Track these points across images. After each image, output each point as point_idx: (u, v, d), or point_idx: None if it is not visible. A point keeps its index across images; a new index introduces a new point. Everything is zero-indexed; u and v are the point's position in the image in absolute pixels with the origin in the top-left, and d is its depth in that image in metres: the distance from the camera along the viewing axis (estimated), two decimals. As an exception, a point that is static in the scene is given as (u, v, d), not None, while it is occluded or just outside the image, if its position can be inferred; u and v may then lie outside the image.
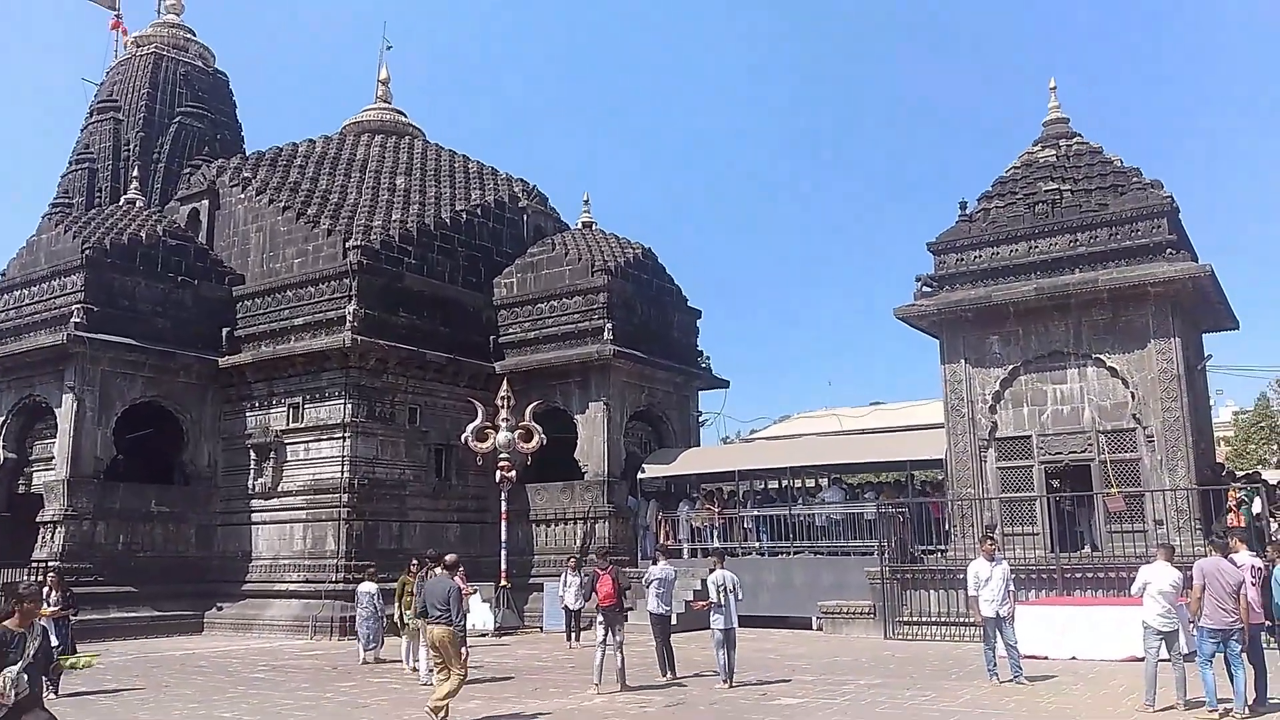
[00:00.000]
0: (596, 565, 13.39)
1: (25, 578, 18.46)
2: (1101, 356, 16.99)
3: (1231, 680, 9.16)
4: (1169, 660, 9.62)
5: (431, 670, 10.97)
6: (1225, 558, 9.63)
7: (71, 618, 13.09)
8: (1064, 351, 17.33)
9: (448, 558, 11.15)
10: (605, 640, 11.83)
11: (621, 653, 11.86)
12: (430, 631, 10.10)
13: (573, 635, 17.39)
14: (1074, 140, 19.00)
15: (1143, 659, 9.82)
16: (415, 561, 14.71)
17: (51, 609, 12.54)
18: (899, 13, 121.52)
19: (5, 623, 6.49)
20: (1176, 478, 16.05)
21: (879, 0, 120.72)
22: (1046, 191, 18.19)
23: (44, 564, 19.21)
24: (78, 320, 20.34)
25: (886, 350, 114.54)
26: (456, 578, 10.62)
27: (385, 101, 29.38)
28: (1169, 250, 16.77)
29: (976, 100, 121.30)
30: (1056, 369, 17.43)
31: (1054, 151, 18.91)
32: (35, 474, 23.99)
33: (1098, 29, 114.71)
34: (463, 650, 9.83)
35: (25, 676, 6.42)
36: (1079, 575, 15.87)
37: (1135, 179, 17.81)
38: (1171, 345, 16.53)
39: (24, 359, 21.28)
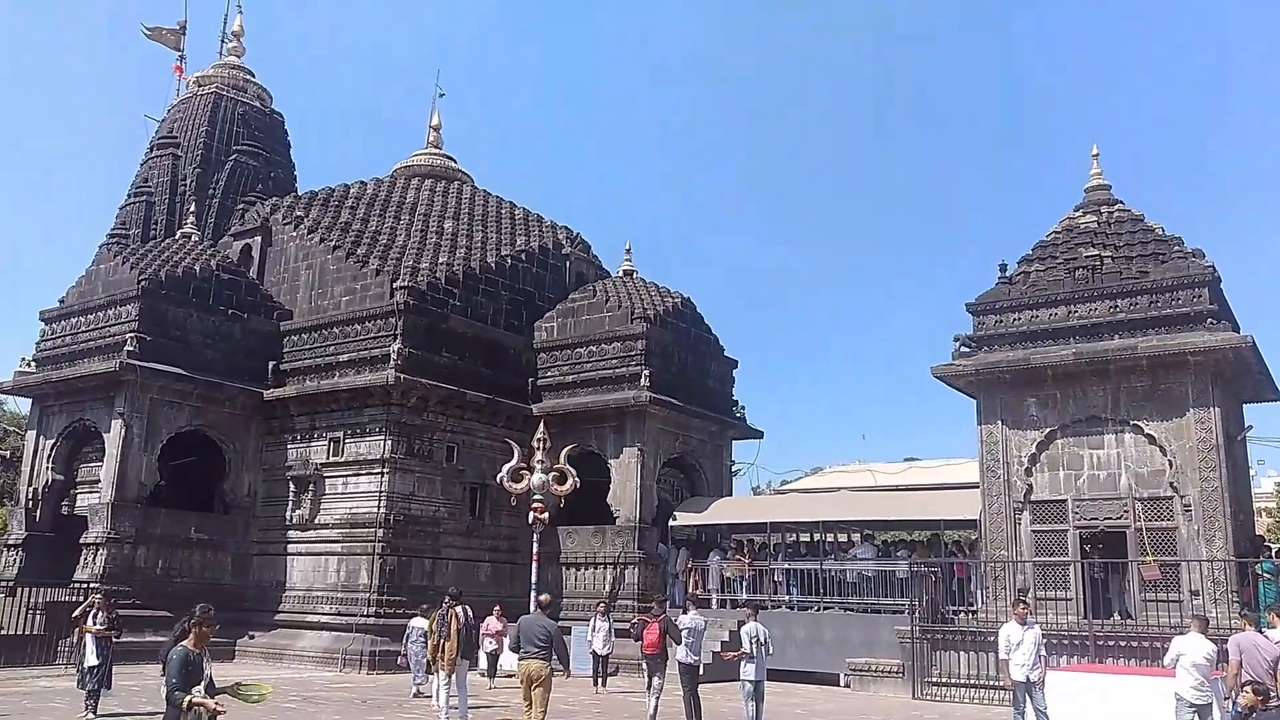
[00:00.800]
0: (648, 613, 13.57)
1: (77, 597, 18.94)
2: (1139, 423, 16.95)
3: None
4: (1202, 734, 9.59)
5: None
6: (1260, 632, 9.61)
7: (114, 639, 13.36)
8: (1102, 417, 17.31)
9: (542, 598, 12.21)
10: (652, 685, 12.16)
11: (657, 699, 12.01)
12: (526, 666, 10.56)
13: (599, 680, 17.44)
14: (1115, 207, 19.12)
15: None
16: (447, 598, 14.91)
17: (98, 628, 12.86)
18: (948, 72, 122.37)
19: (184, 643, 6.71)
20: (1214, 548, 15.93)
21: (927, 59, 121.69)
22: (1087, 257, 18.28)
23: (85, 585, 19.62)
24: (130, 349, 20.93)
25: (921, 408, 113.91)
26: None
27: (436, 147, 30.09)
28: (1209, 319, 16.77)
29: (1022, 163, 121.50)
30: (1094, 434, 17.40)
31: (1095, 217, 19.03)
32: (79, 496, 24.52)
33: (1143, 95, 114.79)
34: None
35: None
36: (1111, 643, 15.74)
37: (1176, 247, 17.88)
38: (1211, 415, 16.48)
39: (77, 384, 21.91)
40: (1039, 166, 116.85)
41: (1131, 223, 18.70)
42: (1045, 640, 12.66)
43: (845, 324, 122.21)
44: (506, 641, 17.82)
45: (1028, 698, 11.58)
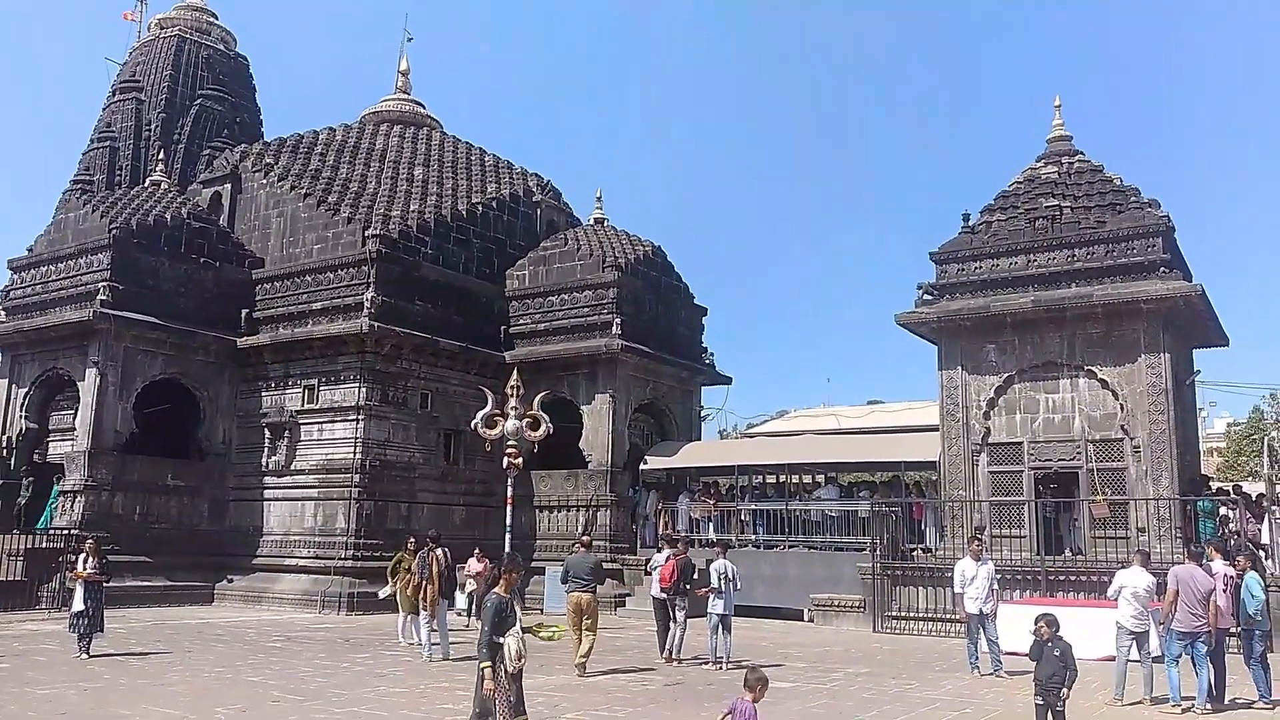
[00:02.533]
0: (670, 548, 14.18)
1: (55, 543, 19.23)
2: (1093, 369, 17.62)
3: (1198, 679, 9.83)
4: (1139, 660, 10.29)
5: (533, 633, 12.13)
6: (1200, 565, 10.29)
7: (105, 583, 13.71)
8: (1057, 362, 17.97)
9: (584, 539, 13.70)
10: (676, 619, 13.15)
11: (682, 634, 13.15)
12: (578, 597, 12.16)
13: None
14: (1076, 158, 19.60)
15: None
16: (412, 540, 15.54)
17: (89, 572, 13.21)
18: (912, 23, 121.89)
19: (496, 590, 7.02)
20: (1160, 488, 16.71)
21: (891, 11, 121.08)
22: (1047, 207, 18.79)
23: (63, 531, 19.91)
24: (104, 298, 20.98)
25: (885, 352, 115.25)
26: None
27: (405, 92, 29.96)
28: (1162, 269, 17.38)
29: (985, 113, 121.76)
30: (1050, 379, 18.07)
31: (1056, 168, 19.52)
32: (51, 444, 24.62)
33: (1105, 46, 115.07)
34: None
35: (524, 641, 6.96)
36: (1063, 578, 16.53)
37: (1133, 198, 18.42)
38: (1161, 360, 17.16)
39: (49, 333, 21.95)
40: (1007, 116, 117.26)
41: (1091, 173, 19.21)
42: (999, 575, 13.35)
43: (812, 271, 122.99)
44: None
45: (981, 629, 12.27)
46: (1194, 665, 9.90)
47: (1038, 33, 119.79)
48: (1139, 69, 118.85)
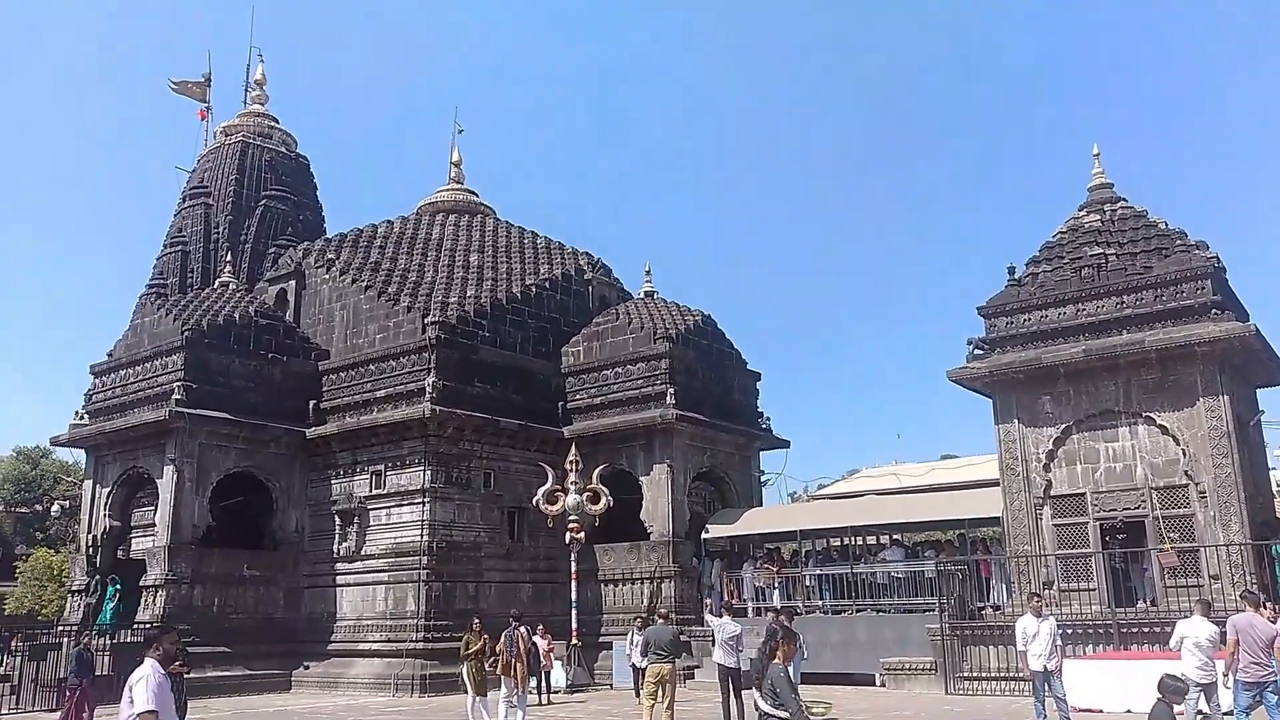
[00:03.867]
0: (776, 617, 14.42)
1: (140, 637, 19.86)
2: (1152, 415, 17.41)
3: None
4: (1209, 713, 10.13)
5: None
6: (1257, 612, 10.15)
7: (185, 674, 14.17)
8: (1115, 410, 17.79)
9: (661, 610, 14.85)
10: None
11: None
12: (659, 668, 12.79)
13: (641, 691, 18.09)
14: (1118, 205, 19.61)
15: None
16: (477, 620, 15.94)
17: (173, 665, 13.68)
18: (949, 81, 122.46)
19: (776, 662, 7.37)
20: (1230, 533, 16.36)
21: (932, 72, 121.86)
22: (1092, 255, 18.80)
23: (147, 625, 20.55)
24: (178, 397, 21.92)
25: (953, 405, 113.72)
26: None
27: (458, 182, 31.02)
28: (1214, 310, 17.23)
29: (1025, 166, 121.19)
30: (1108, 428, 17.89)
31: (1099, 216, 19.54)
32: (134, 540, 25.54)
33: (1142, 93, 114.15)
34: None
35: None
36: (1135, 630, 16.21)
37: (1180, 241, 18.35)
38: (1220, 403, 16.93)
39: (129, 434, 22.93)
40: (1046, 168, 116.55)
41: (1134, 219, 19.20)
42: (1069, 630, 13.22)
43: (871, 329, 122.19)
44: (554, 659, 19.01)
45: (1047, 686, 12.14)
46: (1268, 714, 9.72)
47: (1074, 79, 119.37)
48: (1180, 111, 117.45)
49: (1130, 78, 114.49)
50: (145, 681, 6.09)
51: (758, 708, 7.29)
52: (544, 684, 18.95)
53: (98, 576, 22.86)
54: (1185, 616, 14.55)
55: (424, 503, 22.16)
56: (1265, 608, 10.59)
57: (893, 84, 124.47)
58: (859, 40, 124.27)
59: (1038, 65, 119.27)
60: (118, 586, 21.71)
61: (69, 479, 41.48)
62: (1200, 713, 10.11)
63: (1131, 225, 19.05)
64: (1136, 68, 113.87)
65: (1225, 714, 10.14)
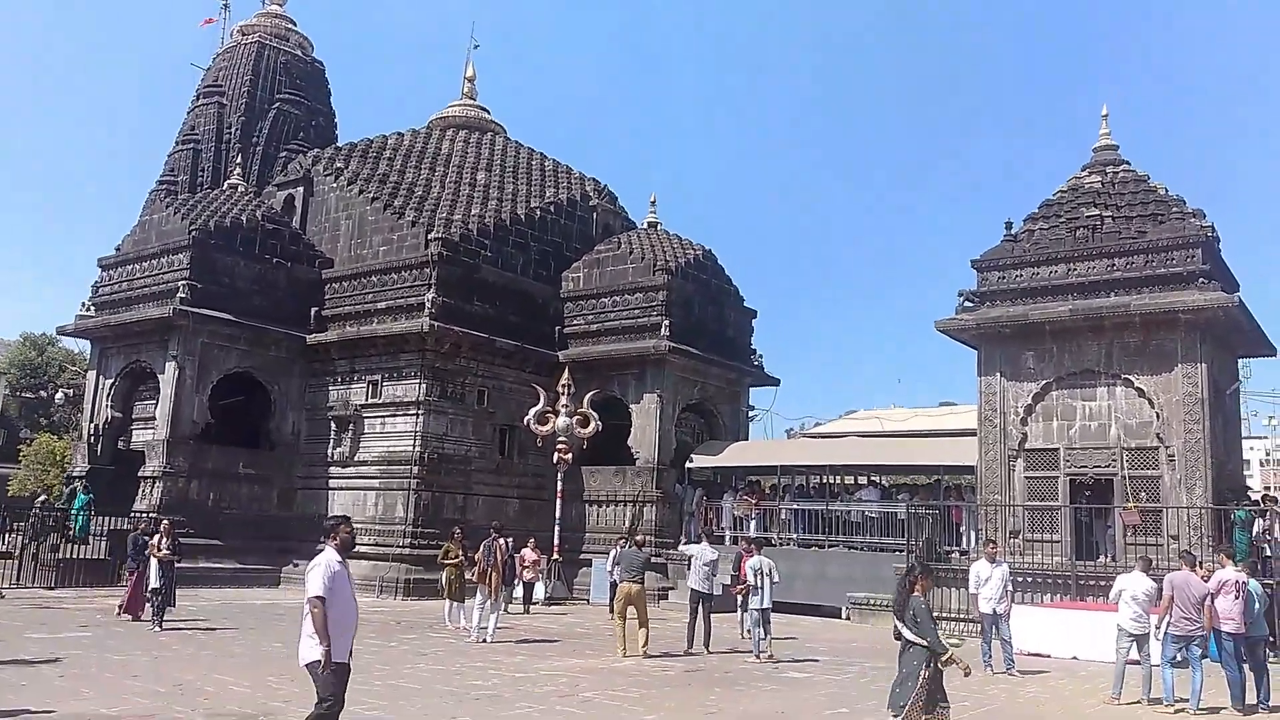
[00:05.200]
0: (746, 547, 15.18)
1: (135, 525, 20.61)
2: (1130, 377, 17.79)
3: (1192, 680, 10.20)
4: (1139, 661, 10.69)
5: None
6: (1194, 571, 10.65)
7: (176, 563, 14.87)
8: (1095, 370, 18.16)
9: (637, 537, 15.41)
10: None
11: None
12: (627, 587, 13.38)
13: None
14: (1120, 167, 19.72)
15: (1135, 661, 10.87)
16: (458, 530, 16.79)
17: (163, 553, 14.38)
18: (967, 35, 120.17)
19: (916, 594, 7.61)
20: (1194, 496, 16.86)
21: (946, 23, 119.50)
22: (1088, 216, 18.98)
23: (143, 514, 21.27)
24: (183, 295, 22.36)
25: (953, 352, 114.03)
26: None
27: (470, 98, 31.00)
28: (1201, 279, 17.47)
29: (1040, 123, 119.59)
30: (1087, 387, 18.28)
31: (1100, 178, 19.66)
32: (135, 432, 26.18)
33: (1156, 53, 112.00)
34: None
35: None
36: (1094, 583, 16.75)
37: (1176, 208, 18.52)
38: (1198, 370, 17.27)
39: (133, 328, 23.43)
40: (1062, 126, 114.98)
41: (1135, 183, 19.33)
42: (1031, 579, 13.75)
43: (878, 274, 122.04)
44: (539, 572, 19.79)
45: (994, 628, 12.73)
46: (1191, 665, 10.26)
47: (1091, 40, 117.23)
48: (1198, 79, 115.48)
49: (1148, 37, 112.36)
50: (322, 569, 6.27)
51: (898, 635, 7.60)
52: (528, 595, 19.71)
53: (70, 482, 23.19)
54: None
55: (418, 414, 22.71)
56: (1200, 567, 11.08)
57: (907, 30, 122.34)
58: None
59: (1056, 14, 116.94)
60: (90, 495, 21.88)
61: (74, 368, 42.16)
62: (1130, 661, 10.66)
63: (1131, 189, 19.19)
64: (1156, 27, 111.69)
65: (1154, 665, 10.69)
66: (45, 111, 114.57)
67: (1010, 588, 13.14)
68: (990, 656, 12.73)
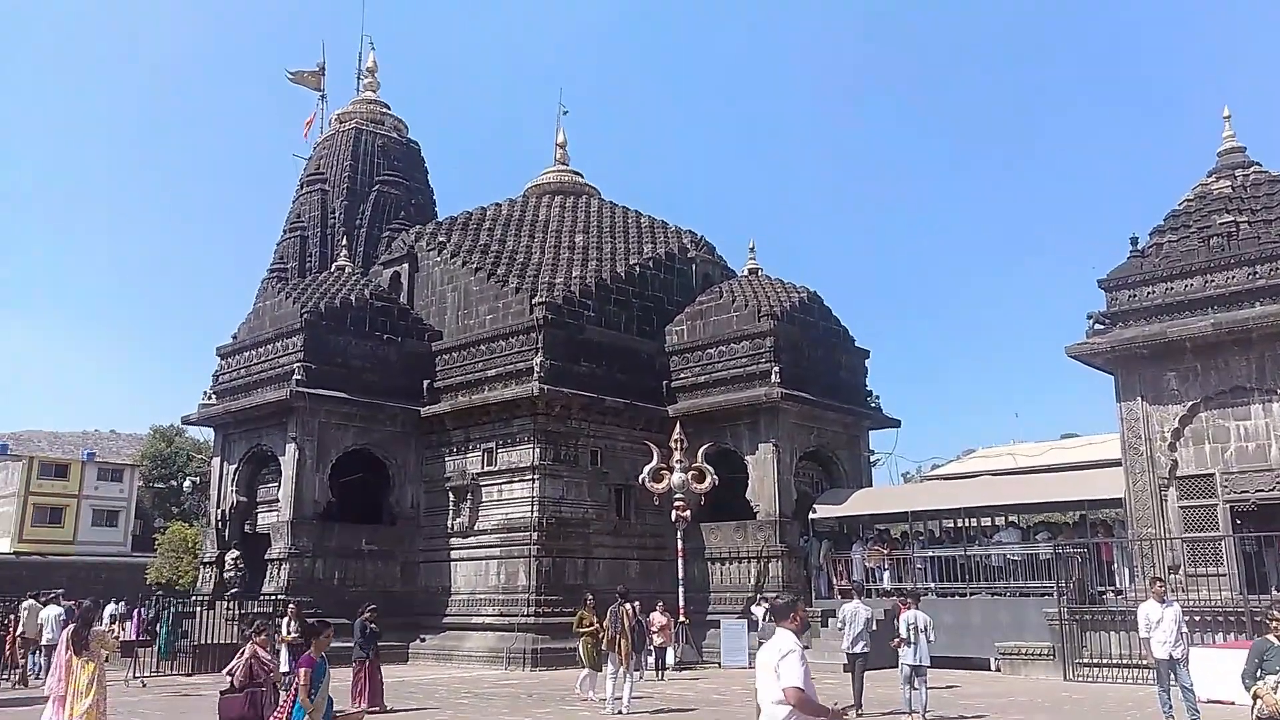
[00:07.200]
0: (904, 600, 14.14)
1: (264, 608, 20.77)
2: (1287, 391, 16.53)
3: None
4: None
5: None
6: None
7: (305, 646, 14.76)
8: (1246, 387, 16.92)
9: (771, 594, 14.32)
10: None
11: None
12: None
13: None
14: (1251, 169, 18.60)
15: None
16: (589, 597, 16.20)
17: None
18: (1069, 51, 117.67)
19: (1270, 637, 7.54)
20: (1375, 516, 15.45)
21: (1050, 39, 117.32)
22: (1222, 224, 17.87)
23: (272, 596, 21.48)
24: (299, 377, 22.76)
25: (1074, 382, 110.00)
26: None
27: (563, 163, 31.28)
28: (1358, 279, 16.22)
29: (1147, 133, 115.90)
30: (1239, 405, 17.03)
31: (1229, 182, 18.56)
32: (260, 515, 26.63)
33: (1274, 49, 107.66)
34: None
35: None
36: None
37: (1320, 206, 17.31)
38: (1364, 377, 15.95)
39: (253, 413, 23.93)
40: (1175, 133, 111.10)
41: (1269, 184, 18.17)
42: (1196, 618, 12.65)
43: (988, 306, 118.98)
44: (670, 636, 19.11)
45: (1172, 675, 11.67)
46: None
47: (1202, 43, 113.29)
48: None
49: (1264, 35, 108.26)
50: (795, 656, 5.88)
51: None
52: (660, 660, 19.16)
53: (157, 601, 22.76)
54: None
55: (533, 479, 22.53)
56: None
57: (1013, 50, 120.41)
58: (976, 3, 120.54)
59: (1166, 25, 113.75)
60: (175, 610, 21.54)
61: (200, 456, 43.55)
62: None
63: (1266, 191, 18.04)
64: (1271, 25, 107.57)
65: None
66: (159, 212, 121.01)
67: (1185, 629, 12.06)
68: (1170, 706, 11.67)
